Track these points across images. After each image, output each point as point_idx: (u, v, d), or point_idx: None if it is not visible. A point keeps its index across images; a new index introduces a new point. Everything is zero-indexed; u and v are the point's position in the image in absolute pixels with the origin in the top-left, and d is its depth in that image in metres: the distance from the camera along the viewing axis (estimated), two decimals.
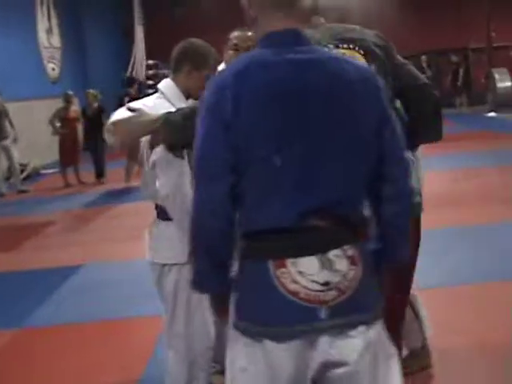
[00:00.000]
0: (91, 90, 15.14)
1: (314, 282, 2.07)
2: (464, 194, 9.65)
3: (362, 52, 3.13)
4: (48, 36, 21.48)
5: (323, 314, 2.08)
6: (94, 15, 24.42)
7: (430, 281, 4.58)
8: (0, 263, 8.39)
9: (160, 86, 3.64)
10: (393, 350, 2.24)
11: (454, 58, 25.30)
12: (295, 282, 2.07)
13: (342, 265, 2.09)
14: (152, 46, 23.48)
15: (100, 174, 14.61)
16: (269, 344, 2.11)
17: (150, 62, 23.75)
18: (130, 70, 22.27)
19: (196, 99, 3.38)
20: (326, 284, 2.08)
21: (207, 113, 2.15)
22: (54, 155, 15.28)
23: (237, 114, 2.08)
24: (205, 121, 2.15)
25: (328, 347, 2.11)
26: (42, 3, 21.08)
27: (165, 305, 3.55)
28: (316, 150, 2.11)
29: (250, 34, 3.90)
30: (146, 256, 3.57)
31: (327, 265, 2.08)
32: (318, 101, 2.12)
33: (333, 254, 2.09)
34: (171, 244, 3.38)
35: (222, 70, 2.25)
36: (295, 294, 2.07)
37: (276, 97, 2.10)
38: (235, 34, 3.98)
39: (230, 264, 2.23)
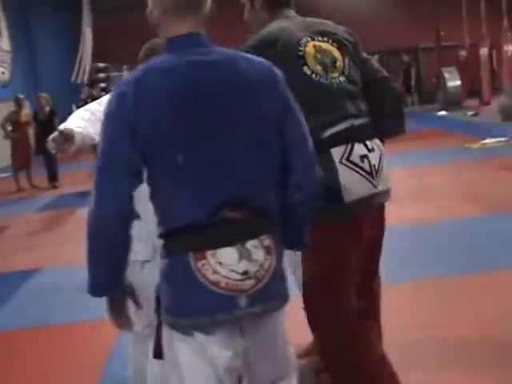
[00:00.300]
0: (43, 94, 15.03)
1: (233, 271, 2.19)
2: (417, 191, 9.77)
3: (335, 45, 3.20)
4: None
5: (243, 302, 2.21)
6: (44, 18, 24.20)
7: (392, 277, 4.61)
8: None
9: None
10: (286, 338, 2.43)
11: (405, 58, 25.63)
12: (216, 272, 2.18)
13: (258, 254, 2.22)
14: (102, 48, 23.37)
15: (53, 178, 14.50)
16: (199, 336, 2.24)
17: (101, 64, 23.60)
18: (75, 72, 22.05)
19: None
20: (244, 273, 2.20)
21: (111, 118, 2.25)
22: (5, 159, 15.12)
23: (139, 119, 2.19)
24: (109, 125, 2.25)
25: (250, 332, 2.28)
26: None
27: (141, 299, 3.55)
28: (220, 148, 2.24)
29: None
30: None
31: (245, 255, 2.20)
32: (218, 101, 2.25)
33: (250, 244, 2.22)
34: (140, 241, 3.38)
35: (126, 77, 2.37)
36: (216, 283, 2.18)
37: (176, 100, 2.21)
38: None
39: (126, 266, 2.34)
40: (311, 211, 2.48)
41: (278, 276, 2.29)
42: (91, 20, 23.38)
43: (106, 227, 2.22)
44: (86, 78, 22.36)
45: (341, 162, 3.01)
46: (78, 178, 13.20)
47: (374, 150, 3.13)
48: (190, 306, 2.24)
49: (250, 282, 2.21)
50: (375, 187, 3.11)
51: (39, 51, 24.09)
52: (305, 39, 3.14)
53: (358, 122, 3.13)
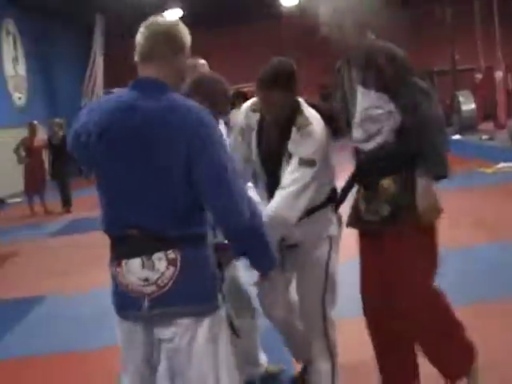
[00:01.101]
0: (56, 120, 15.11)
1: (137, 278, 2.72)
2: None
3: None
4: (14, 65, 21.42)
5: (145, 304, 2.74)
6: (61, 43, 24.40)
7: None
8: None
9: None
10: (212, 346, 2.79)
11: None
12: (125, 277, 2.75)
13: (161, 265, 2.70)
14: (115, 74, 23.45)
15: (66, 203, 14.54)
16: (128, 326, 2.86)
17: (114, 91, 23.64)
18: (84, 96, 22.04)
19: None
20: (145, 280, 2.71)
21: (72, 128, 2.88)
22: (20, 185, 15.13)
23: (87, 137, 2.76)
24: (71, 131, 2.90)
25: (159, 328, 2.78)
26: (7, 33, 21.03)
27: None
28: (127, 180, 2.71)
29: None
30: None
31: (149, 265, 2.70)
32: (131, 141, 2.68)
33: (156, 256, 2.70)
34: None
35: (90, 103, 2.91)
36: (126, 286, 2.77)
37: (104, 131, 2.71)
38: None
39: None
40: (240, 248, 2.90)
41: (185, 286, 2.71)
42: (103, 45, 23.43)
43: None
44: None
45: None
46: (92, 203, 13.18)
47: None
48: (116, 302, 2.86)
49: (151, 288, 2.72)
50: None
51: (56, 77, 24.26)
52: None
53: None
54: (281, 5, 24.96)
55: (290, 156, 3.70)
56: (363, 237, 3.90)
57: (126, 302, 2.80)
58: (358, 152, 3.79)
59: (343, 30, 3.65)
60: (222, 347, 2.81)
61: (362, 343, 4.40)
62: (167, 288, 2.70)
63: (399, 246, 3.65)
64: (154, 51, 2.79)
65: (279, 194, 3.66)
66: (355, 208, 3.85)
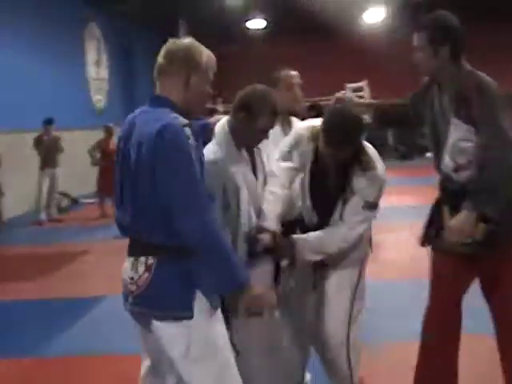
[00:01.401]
0: None
1: (127, 276, 3.03)
2: None
3: None
4: (96, 68, 21.83)
5: (130, 300, 3.04)
6: (142, 47, 24.74)
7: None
8: (28, 291, 8.53)
9: (217, 128, 3.71)
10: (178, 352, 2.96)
11: None
12: (123, 273, 3.07)
13: (141, 269, 2.97)
14: None
15: None
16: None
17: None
18: None
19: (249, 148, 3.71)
20: (131, 279, 3.00)
21: None
22: (94, 185, 15.33)
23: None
24: None
25: (145, 325, 3.05)
26: (91, 37, 21.46)
27: None
28: (122, 187, 3.00)
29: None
30: None
31: (134, 266, 2.99)
32: (125, 153, 2.96)
33: (140, 260, 2.97)
34: None
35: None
36: (122, 281, 3.09)
37: (118, 141, 3.09)
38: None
39: None
40: (218, 270, 2.89)
41: (158, 290, 2.93)
42: None
43: None
44: None
45: None
46: None
47: None
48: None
49: (133, 287, 3.00)
50: None
51: (136, 80, 24.57)
52: None
53: None
54: (364, 22, 24.85)
55: (348, 192, 3.70)
56: (442, 256, 3.87)
57: (123, 295, 3.11)
58: (448, 179, 3.75)
59: (438, 56, 3.67)
60: (201, 356, 2.91)
61: (390, 369, 4.32)
62: (142, 290, 2.96)
63: (505, 266, 3.74)
64: (164, 69, 3.04)
65: (343, 232, 3.72)
66: (437, 228, 3.81)
